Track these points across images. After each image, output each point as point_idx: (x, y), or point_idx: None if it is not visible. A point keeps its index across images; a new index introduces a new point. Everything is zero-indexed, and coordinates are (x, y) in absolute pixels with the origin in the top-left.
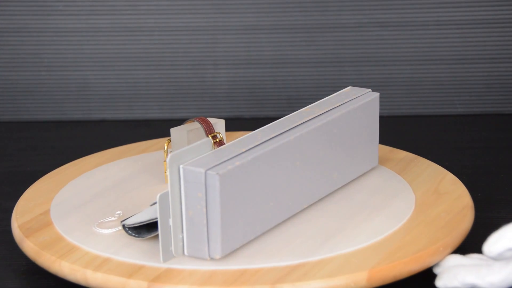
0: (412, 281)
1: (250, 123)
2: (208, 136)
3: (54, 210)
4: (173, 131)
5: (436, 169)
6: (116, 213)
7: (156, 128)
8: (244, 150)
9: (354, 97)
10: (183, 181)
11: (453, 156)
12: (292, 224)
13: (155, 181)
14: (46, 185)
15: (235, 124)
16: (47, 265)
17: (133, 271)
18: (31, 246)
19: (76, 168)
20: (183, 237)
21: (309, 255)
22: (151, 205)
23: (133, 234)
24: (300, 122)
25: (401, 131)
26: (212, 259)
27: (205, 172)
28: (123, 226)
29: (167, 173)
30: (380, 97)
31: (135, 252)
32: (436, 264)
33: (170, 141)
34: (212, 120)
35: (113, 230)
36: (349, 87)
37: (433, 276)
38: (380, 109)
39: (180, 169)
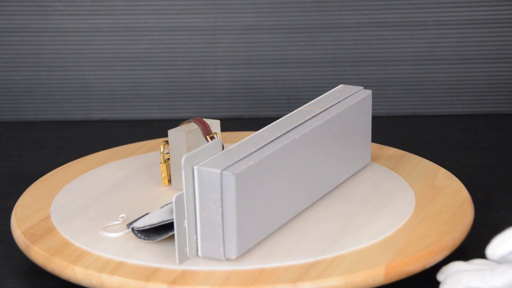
0: (414, 280)
1: (250, 123)
2: (206, 137)
3: (55, 215)
4: (171, 132)
5: (427, 165)
6: (120, 216)
7: (156, 128)
8: (254, 149)
9: (349, 95)
10: (198, 182)
11: (453, 156)
12: (299, 223)
13: (151, 183)
14: (40, 191)
15: (235, 124)
16: (59, 270)
17: (149, 274)
18: (40, 252)
19: (67, 172)
20: (197, 238)
21: (323, 253)
22: (162, 207)
23: (142, 237)
24: (302, 121)
25: (401, 131)
26: (227, 259)
27: (221, 173)
28: (132, 229)
29: (182, 174)
30: (380, 97)
31: (147, 255)
32: (439, 271)
33: (167, 142)
34: (207, 121)
35: (121, 233)
36: (341, 85)
37: (437, 284)
38: (380, 109)
39: (195, 170)
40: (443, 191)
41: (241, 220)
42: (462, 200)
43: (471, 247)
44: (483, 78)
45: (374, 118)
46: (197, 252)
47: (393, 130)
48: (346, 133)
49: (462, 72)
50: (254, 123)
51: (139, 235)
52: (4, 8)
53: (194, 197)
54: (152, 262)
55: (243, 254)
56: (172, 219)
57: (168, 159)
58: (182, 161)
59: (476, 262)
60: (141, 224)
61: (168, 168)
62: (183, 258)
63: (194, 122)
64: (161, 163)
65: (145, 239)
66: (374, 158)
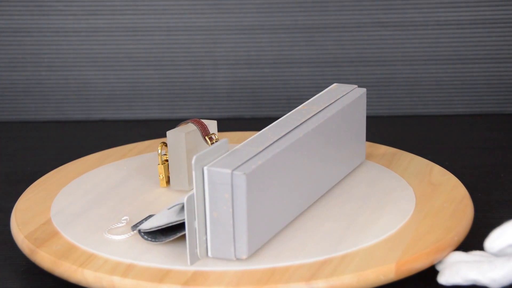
0: (414, 277)
1: (250, 123)
2: (205, 138)
3: (56, 219)
4: (170, 133)
5: (421, 162)
6: (123, 219)
7: (156, 128)
8: (261, 149)
9: (345, 93)
10: (208, 182)
11: (453, 156)
12: (303, 222)
13: (149, 184)
14: (37, 195)
15: (235, 124)
16: (67, 274)
17: (162, 276)
18: (46, 257)
19: (61, 175)
20: (206, 238)
21: (332, 251)
22: (169, 208)
23: (149, 238)
24: (303, 120)
25: (401, 131)
26: (238, 259)
27: (232, 173)
28: (139, 231)
29: (193, 175)
30: (380, 97)
31: (156, 256)
32: (439, 261)
33: (164, 144)
34: (204, 122)
35: (126, 236)
36: (335, 84)
37: (435, 273)
38: (380, 109)
39: (205, 171)
40: (441, 187)
41: (251, 220)
42: (461, 196)
43: (471, 247)
44: (483, 78)
45: (374, 118)
46: (207, 253)
47: (393, 130)
48: (344, 131)
49: (462, 72)
50: (254, 123)
51: (145, 237)
52: (4, 8)
53: (204, 198)
54: (162, 264)
55: (252, 254)
56: (180, 220)
57: (165, 160)
58: (193, 161)
59: (475, 253)
60: (148, 226)
61: (166, 170)
62: (194, 259)
63: (192, 123)
64: (158, 164)
65: (152, 241)
66: (367, 156)
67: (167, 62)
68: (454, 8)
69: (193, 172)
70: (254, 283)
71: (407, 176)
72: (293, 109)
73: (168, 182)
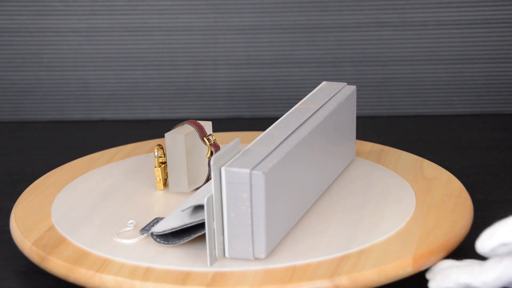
0: (403, 285)
1: (250, 123)
2: (203, 139)
3: (60, 225)
4: (169, 135)
5: (409, 157)
6: (129, 222)
7: (156, 128)
8: (272, 148)
9: (337, 91)
10: (226, 183)
11: (453, 156)
12: (311, 219)
13: (145, 187)
14: (32, 201)
15: (235, 124)
16: (84, 280)
17: (183, 278)
18: (60, 263)
19: (53, 180)
20: (223, 239)
21: (347, 247)
22: (182, 210)
23: (162, 241)
24: (305, 118)
25: (401, 131)
26: (256, 259)
27: (250, 172)
28: (151, 234)
29: (211, 175)
30: (380, 97)
31: (172, 259)
32: (428, 269)
33: (159, 146)
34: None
35: (136, 239)
36: (324, 82)
37: (425, 281)
38: (380, 109)
39: (222, 171)
40: (436, 181)
41: (269, 219)
42: (458, 190)
43: (471, 247)
44: (483, 78)
45: (374, 118)
46: (224, 253)
47: (393, 130)
48: (340, 128)
49: (462, 72)
50: (254, 123)
51: (158, 239)
52: (4, 8)
53: (221, 198)
54: (180, 266)
55: (269, 253)
56: (195, 222)
57: (162, 162)
58: (212, 162)
59: (466, 261)
60: (161, 228)
61: (163, 172)
62: (213, 260)
63: (189, 124)
64: (155, 167)
65: (165, 244)
66: (356, 153)
67: (167, 62)
68: (454, 8)
69: (212, 173)
70: (277, 282)
71: (399, 172)
72: None
73: (165, 184)
